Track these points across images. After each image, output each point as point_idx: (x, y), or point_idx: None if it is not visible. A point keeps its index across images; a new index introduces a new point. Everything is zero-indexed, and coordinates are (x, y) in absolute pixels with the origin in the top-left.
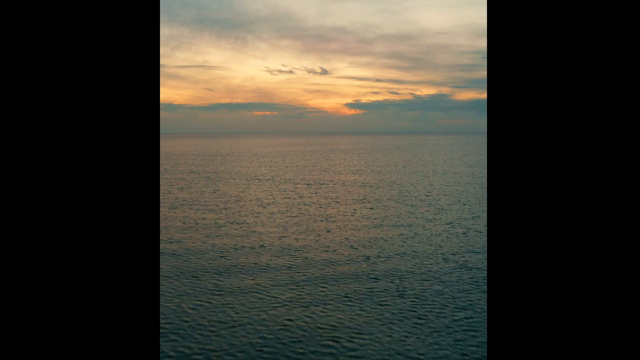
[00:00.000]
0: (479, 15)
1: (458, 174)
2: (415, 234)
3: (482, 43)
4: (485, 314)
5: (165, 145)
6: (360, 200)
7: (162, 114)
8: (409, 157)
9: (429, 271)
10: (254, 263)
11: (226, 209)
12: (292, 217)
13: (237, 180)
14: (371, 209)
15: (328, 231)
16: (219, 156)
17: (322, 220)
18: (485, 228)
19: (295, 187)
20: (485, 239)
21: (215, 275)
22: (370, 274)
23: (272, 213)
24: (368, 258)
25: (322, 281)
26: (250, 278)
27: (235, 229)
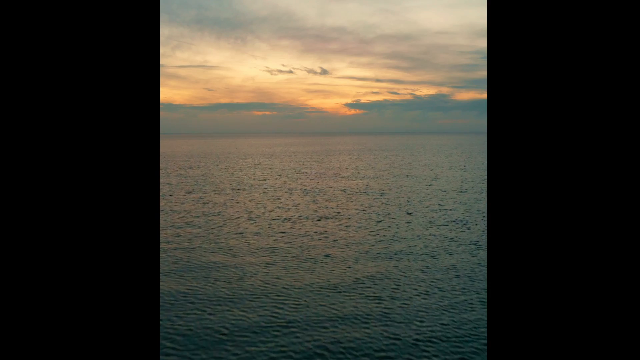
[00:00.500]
0: (479, 15)
1: (469, 178)
2: (436, 260)
3: (482, 43)
4: None
5: (161, 146)
6: (365, 211)
7: (162, 114)
8: (412, 158)
9: (465, 324)
10: (222, 317)
11: (207, 222)
12: (284, 234)
13: (227, 185)
14: (378, 221)
15: (327, 256)
16: (212, 157)
17: (319, 239)
18: None
19: (290, 195)
20: None
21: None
22: (384, 330)
23: (259, 229)
24: (380, 300)
25: (317, 355)
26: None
27: (211, 253)
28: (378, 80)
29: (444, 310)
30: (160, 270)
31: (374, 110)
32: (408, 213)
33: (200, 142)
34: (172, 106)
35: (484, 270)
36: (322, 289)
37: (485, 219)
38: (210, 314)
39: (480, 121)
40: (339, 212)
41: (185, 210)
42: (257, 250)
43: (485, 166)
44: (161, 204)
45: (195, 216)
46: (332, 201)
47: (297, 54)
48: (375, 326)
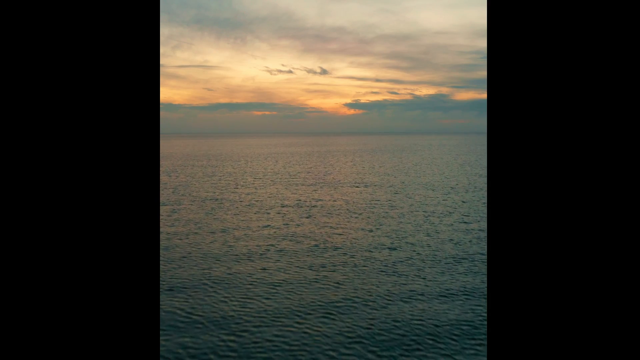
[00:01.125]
0: (478, 15)
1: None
2: (479, 314)
3: (482, 43)
4: None
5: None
6: (374, 232)
7: (162, 113)
8: (417, 160)
9: None
10: None
11: (167, 251)
12: (266, 271)
13: (209, 194)
14: (392, 250)
15: (326, 317)
16: (203, 159)
17: (314, 281)
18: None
19: (281, 207)
20: None
21: None
22: None
23: (233, 265)
24: None
25: None
26: None
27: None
28: (378, 80)
29: None
30: None
31: (373, 110)
32: (428, 235)
33: (196, 143)
34: (171, 106)
35: None
36: None
37: None
38: None
39: (480, 121)
40: (340, 234)
41: None
42: (223, 305)
43: None
44: None
45: None
46: (331, 217)
47: (297, 53)
48: None
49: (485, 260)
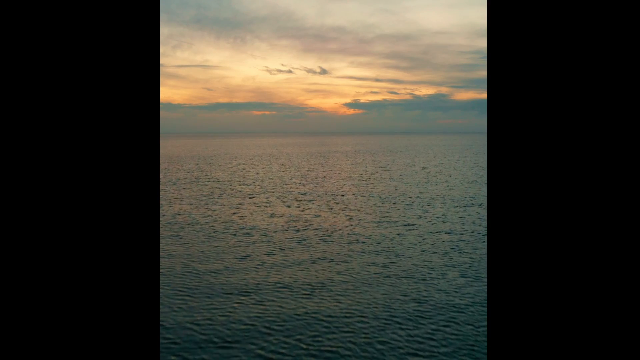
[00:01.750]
0: (478, 15)
1: None
2: None
3: (482, 43)
4: None
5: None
6: (390, 268)
7: (161, 113)
8: (422, 163)
9: None
10: None
11: None
12: (230, 351)
13: (185, 207)
14: (420, 303)
15: None
16: (193, 161)
17: (311, 356)
18: None
19: (268, 226)
20: None
21: None
22: None
23: (182, 329)
24: None
25: None
26: None
27: None
28: (377, 80)
29: None
30: None
31: (373, 110)
32: (463, 275)
33: (192, 143)
34: (171, 106)
35: None
36: None
37: None
38: None
39: (480, 121)
40: (343, 274)
41: None
42: None
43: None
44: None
45: None
46: (330, 242)
47: (297, 53)
48: None
49: None
